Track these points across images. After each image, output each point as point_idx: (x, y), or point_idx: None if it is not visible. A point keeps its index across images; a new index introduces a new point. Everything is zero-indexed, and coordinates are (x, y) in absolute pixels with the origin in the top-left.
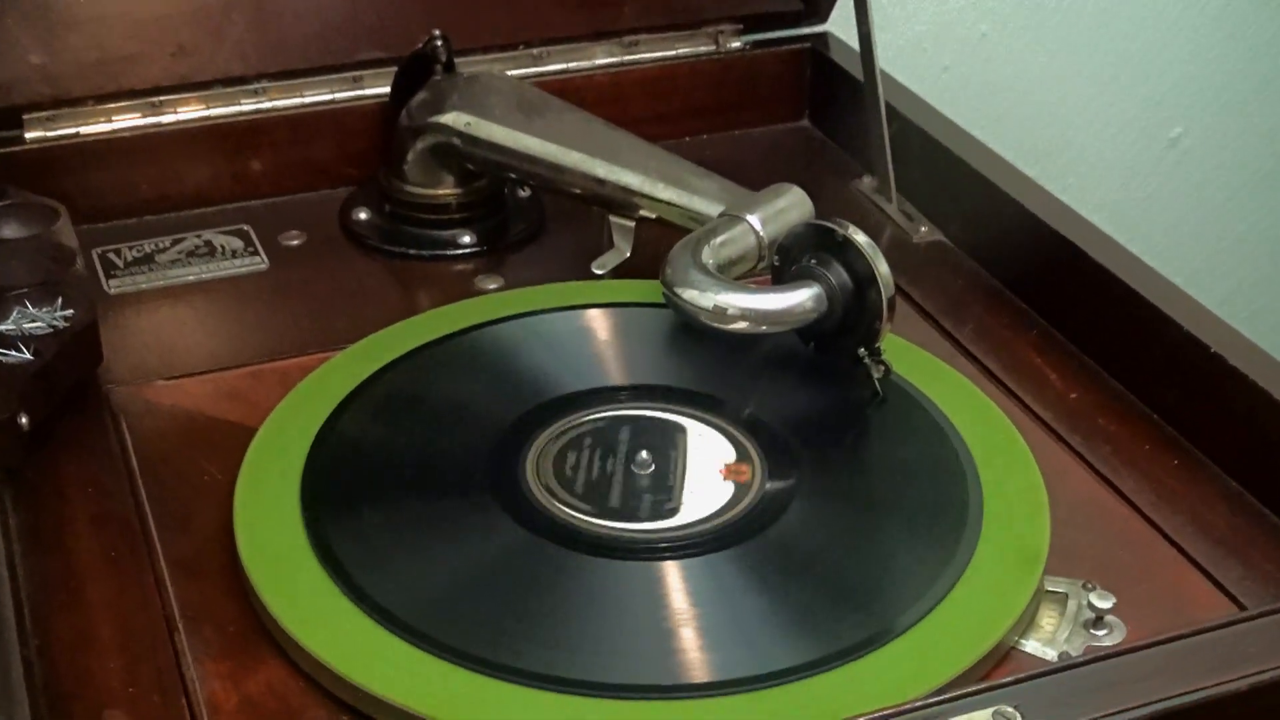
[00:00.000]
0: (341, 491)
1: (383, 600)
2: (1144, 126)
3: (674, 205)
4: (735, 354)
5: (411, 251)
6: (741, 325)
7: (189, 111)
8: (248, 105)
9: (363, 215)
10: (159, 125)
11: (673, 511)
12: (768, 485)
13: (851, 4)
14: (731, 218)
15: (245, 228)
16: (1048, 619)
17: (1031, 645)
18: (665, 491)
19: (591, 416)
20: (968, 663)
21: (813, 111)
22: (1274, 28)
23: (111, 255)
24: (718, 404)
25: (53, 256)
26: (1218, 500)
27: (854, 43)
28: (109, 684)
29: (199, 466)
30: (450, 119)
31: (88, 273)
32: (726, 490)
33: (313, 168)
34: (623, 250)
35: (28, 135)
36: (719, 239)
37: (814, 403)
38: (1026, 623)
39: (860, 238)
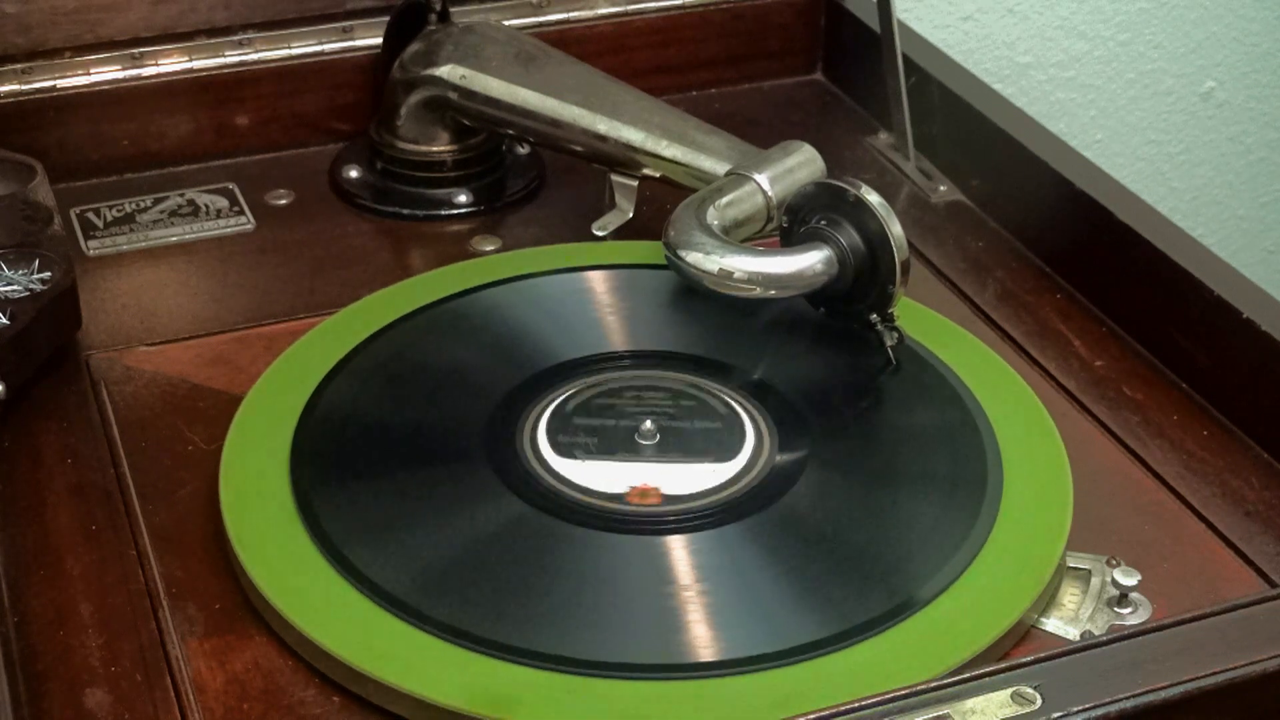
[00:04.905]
0: (331, 462)
1: (374, 575)
2: (1175, 80)
3: (678, 163)
4: (742, 319)
5: (405, 211)
6: (748, 289)
7: (171, 63)
8: (232, 57)
9: (353, 173)
10: (139, 78)
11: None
12: (778, 456)
13: None
14: (738, 176)
15: (230, 186)
16: (1070, 596)
17: (1053, 624)
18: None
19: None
20: (986, 642)
21: (826, 63)
22: None
23: (90, 215)
24: (725, 371)
25: (29, 216)
26: (1249, 472)
27: None
28: (89, 662)
29: (182, 435)
30: (445, 71)
31: (66, 233)
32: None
33: (301, 123)
34: (625, 210)
35: (1, 89)
36: (725, 199)
37: (825, 370)
38: (1047, 600)
39: (873, 198)
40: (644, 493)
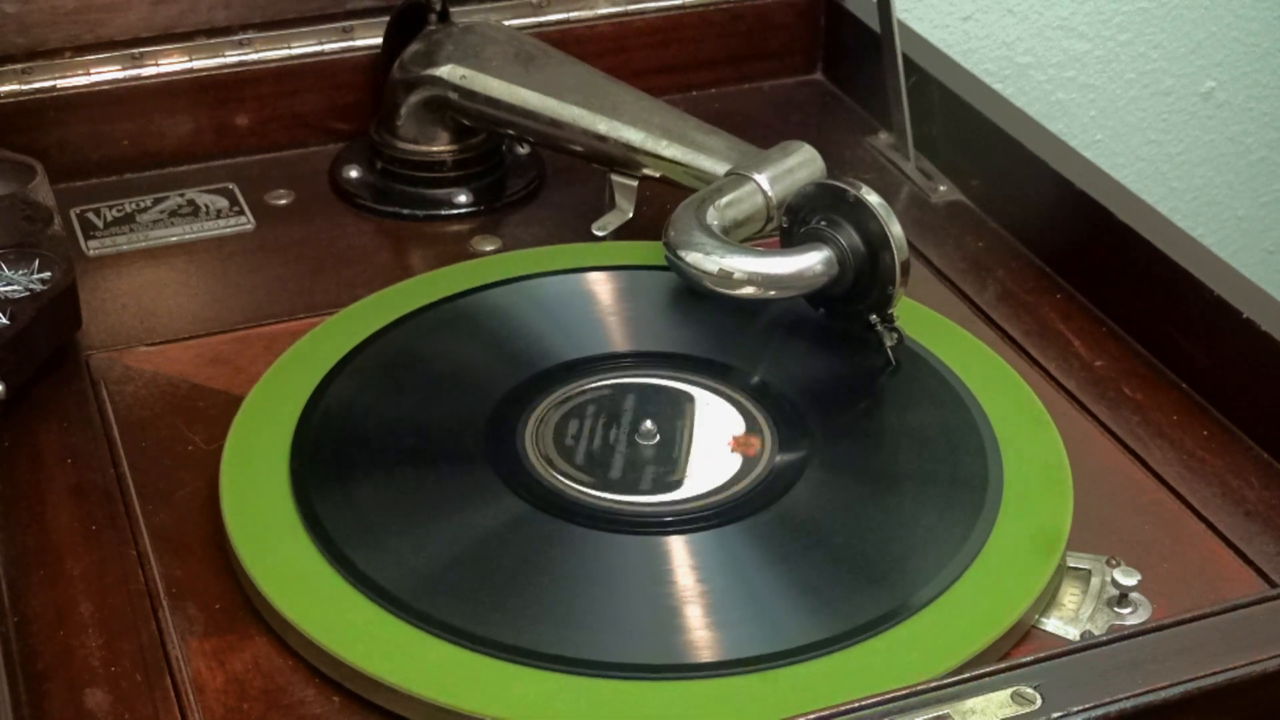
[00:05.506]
0: (331, 462)
1: (374, 575)
2: (1175, 80)
3: (678, 163)
4: (742, 319)
5: (404, 211)
6: (748, 290)
7: (171, 63)
8: (232, 57)
9: (353, 173)
10: (139, 78)
11: (678, 484)
12: (778, 457)
13: None
14: (738, 177)
15: (230, 186)
16: (1070, 596)
17: (1053, 624)
18: (670, 463)
19: (593, 384)
20: (986, 642)
21: (826, 63)
22: None
23: (90, 215)
24: (724, 371)
25: (29, 216)
26: (1249, 472)
27: None
28: (89, 662)
29: (182, 435)
30: (445, 72)
31: (66, 233)
32: (734, 463)
33: (301, 123)
34: (625, 210)
35: (1, 89)
36: (725, 199)
37: (825, 370)
38: (1047, 600)
39: (873, 198)
40: (745, 443)
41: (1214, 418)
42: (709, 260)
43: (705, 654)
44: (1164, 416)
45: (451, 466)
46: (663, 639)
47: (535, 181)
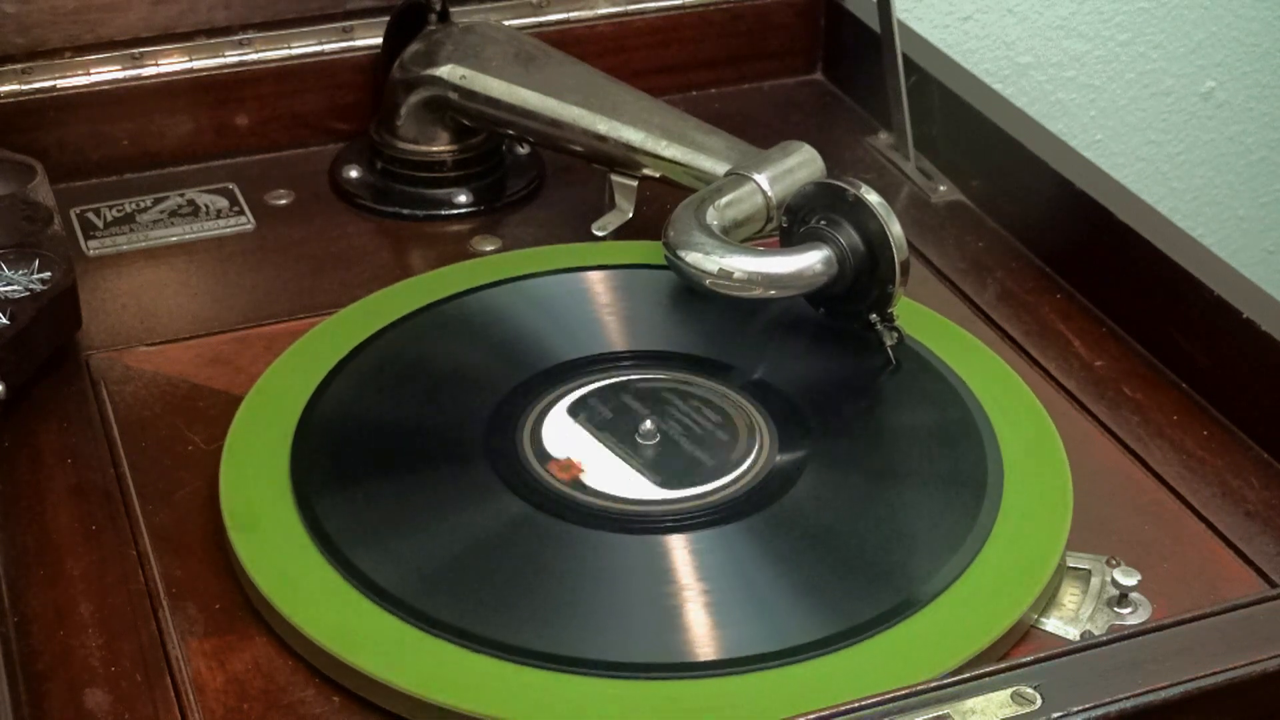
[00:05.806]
0: (331, 462)
1: (374, 575)
2: (1175, 80)
3: (678, 163)
4: (742, 319)
5: (404, 211)
6: (748, 289)
7: (171, 63)
8: (232, 57)
9: (353, 173)
10: (139, 78)
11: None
12: (778, 456)
13: None
14: (738, 177)
15: (230, 186)
16: (1070, 596)
17: (1053, 624)
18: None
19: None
20: (986, 642)
21: (826, 63)
22: None
23: (90, 215)
24: (724, 371)
25: (29, 216)
26: (1249, 472)
27: None
28: (89, 662)
29: (182, 435)
30: (445, 72)
31: (66, 233)
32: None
33: (301, 123)
34: (624, 210)
35: (1, 89)
36: (725, 199)
37: (824, 370)
38: (1047, 600)
39: (872, 198)
40: (566, 466)
41: (1214, 418)
42: (709, 260)
43: (705, 653)
44: (1164, 416)
45: (451, 466)
46: (663, 638)
47: (535, 181)
